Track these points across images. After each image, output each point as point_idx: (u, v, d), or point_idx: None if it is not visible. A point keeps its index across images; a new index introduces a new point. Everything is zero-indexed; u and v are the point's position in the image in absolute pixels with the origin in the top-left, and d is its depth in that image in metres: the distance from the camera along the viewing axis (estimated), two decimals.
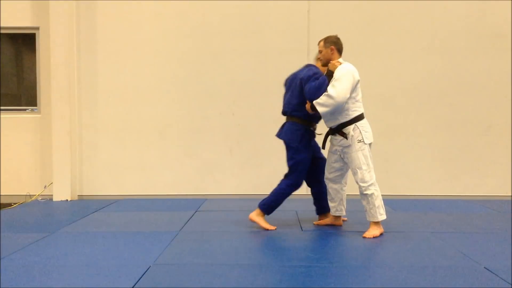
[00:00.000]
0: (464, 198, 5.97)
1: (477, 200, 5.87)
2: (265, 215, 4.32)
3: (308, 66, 4.31)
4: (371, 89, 5.62)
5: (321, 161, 4.36)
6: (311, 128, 4.27)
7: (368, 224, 4.09)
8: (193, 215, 4.99)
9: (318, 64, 4.28)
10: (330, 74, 3.99)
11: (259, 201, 4.36)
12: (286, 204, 4.34)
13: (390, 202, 5.33)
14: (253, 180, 6.08)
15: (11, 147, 6.14)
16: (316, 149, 4.38)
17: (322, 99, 3.90)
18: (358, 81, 3.96)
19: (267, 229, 4.23)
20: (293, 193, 4.28)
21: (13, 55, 6.45)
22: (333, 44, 4.10)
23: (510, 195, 6.00)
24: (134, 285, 2.83)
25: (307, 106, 4.07)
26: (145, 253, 3.52)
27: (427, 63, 6.03)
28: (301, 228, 4.36)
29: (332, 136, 4.14)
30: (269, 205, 4.27)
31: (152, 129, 6.14)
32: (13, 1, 6.04)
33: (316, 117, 4.13)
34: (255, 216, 4.29)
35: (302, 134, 4.19)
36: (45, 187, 6.08)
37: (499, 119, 6.04)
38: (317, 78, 4.04)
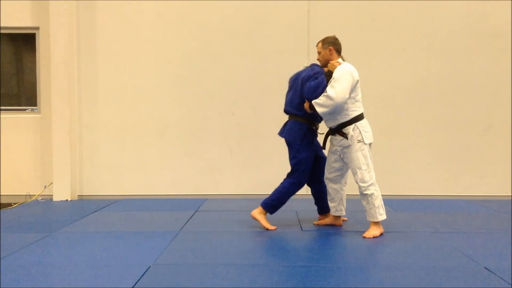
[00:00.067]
0: (464, 198, 5.97)
1: (477, 200, 5.87)
2: (268, 214, 4.32)
3: (312, 65, 4.32)
4: (371, 89, 5.63)
5: (323, 160, 4.36)
6: (313, 127, 4.27)
7: (368, 224, 4.08)
8: (193, 215, 4.99)
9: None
10: (329, 75, 3.99)
11: (259, 201, 4.36)
12: (286, 204, 4.34)
13: (390, 202, 5.33)
14: (253, 180, 6.08)
15: (11, 147, 6.14)
16: (318, 149, 4.38)
17: (321, 99, 3.90)
18: (358, 81, 3.96)
19: (267, 229, 4.23)
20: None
21: (13, 55, 6.45)
22: (331, 45, 4.10)
23: (510, 195, 5.99)
24: (134, 285, 2.83)
25: (306, 105, 4.08)
26: (145, 253, 3.52)
27: (427, 63, 6.03)
28: (301, 228, 4.36)
29: (332, 136, 4.14)
30: (271, 203, 4.26)
31: (152, 129, 6.14)
32: (13, 1, 6.04)
33: (318, 116, 4.13)
34: (257, 214, 4.29)
35: (304, 133, 4.19)
36: (45, 187, 6.08)
37: (499, 119, 6.04)
38: (316, 78, 4.05)
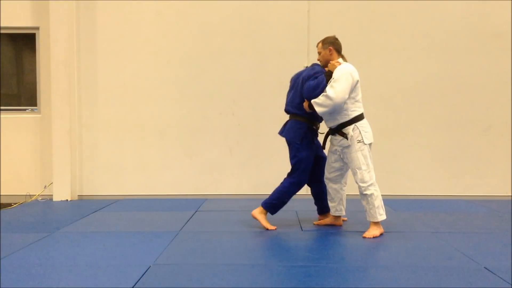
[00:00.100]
0: (464, 198, 5.97)
1: (477, 200, 5.87)
2: (268, 214, 4.31)
3: (313, 65, 4.32)
4: (371, 89, 5.63)
5: (324, 160, 4.35)
6: (314, 127, 4.27)
7: (368, 224, 4.09)
8: (193, 215, 4.99)
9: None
10: (329, 75, 3.99)
11: (259, 201, 4.37)
12: (286, 204, 4.33)
13: (390, 202, 5.33)
14: (253, 180, 6.08)
15: (11, 147, 6.14)
16: (319, 148, 4.38)
17: (321, 99, 3.90)
18: (358, 81, 3.96)
19: (267, 229, 4.23)
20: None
21: (13, 55, 6.45)
22: (331, 45, 4.10)
23: (510, 195, 6.00)
24: (134, 285, 2.83)
25: (305, 104, 4.09)
26: (145, 253, 3.52)
27: (427, 63, 6.03)
28: (301, 228, 4.36)
29: (332, 136, 4.14)
30: (271, 203, 4.26)
31: (152, 129, 6.14)
32: (13, 1, 6.04)
33: (318, 116, 4.13)
34: (257, 213, 4.30)
35: (304, 132, 4.19)
36: (45, 187, 6.08)
37: (499, 119, 6.04)
38: (316, 77, 4.05)
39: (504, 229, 4.33)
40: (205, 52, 6.08)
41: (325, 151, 4.38)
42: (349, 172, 4.19)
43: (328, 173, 4.26)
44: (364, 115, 4.07)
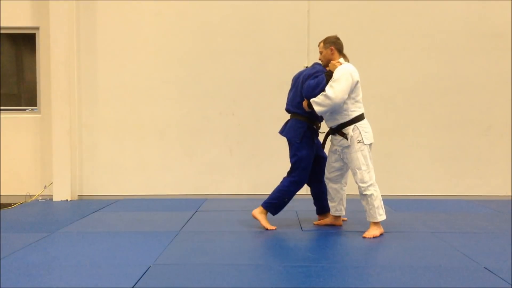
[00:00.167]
0: (464, 198, 5.97)
1: (477, 200, 5.87)
2: (269, 214, 4.31)
3: (314, 64, 4.32)
4: (371, 89, 5.62)
5: (324, 160, 4.35)
6: (314, 126, 4.27)
7: (368, 224, 4.09)
8: (193, 215, 4.99)
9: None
10: (330, 74, 3.99)
11: (259, 201, 4.37)
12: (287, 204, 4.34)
13: (390, 202, 5.33)
14: (253, 180, 6.08)
15: (11, 147, 6.14)
16: (319, 148, 4.38)
17: (320, 98, 3.91)
18: (358, 81, 3.95)
19: (267, 229, 4.23)
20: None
21: (13, 55, 6.45)
22: (333, 45, 4.10)
23: (510, 195, 6.00)
24: (134, 285, 2.83)
25: (304, 103, 4.09)
26: (145, 253, 3.52)
27: (427, 63, 6.03)
28: (301, 228, 4.36)
29: (332, 136, 4.14)
30: (271, 203, 4.26)
31: (152, 129, 6.14)
32: (13, 1, 6.04)
33: (319, 115, 4.13)
34: (258, 213, 4.29)
35: (304, 131, 4.19)
36: (45, 187, 6.08)
37: (499, 119, 6.04)
38: (316, 77, 4.05)
39: (504, 229, 4.33)
40: (205, 52, 6.08)
41: (325, 151, 4.39)
42: (349, 172, 4.19)
43: (328, 173, 4.26)
44: (365, 115, 4.07)
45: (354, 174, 4.00)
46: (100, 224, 4.59)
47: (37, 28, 6.13)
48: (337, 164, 4.18)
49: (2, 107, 6.19)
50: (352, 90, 3.93)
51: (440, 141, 6.06)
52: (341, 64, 3.99)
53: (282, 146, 4.44)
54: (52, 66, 5.91)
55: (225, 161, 6.13)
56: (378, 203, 3.97)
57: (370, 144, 4.01)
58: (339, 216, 4.39)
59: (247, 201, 5.50)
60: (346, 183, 4.31)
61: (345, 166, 4.18)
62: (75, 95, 6.06)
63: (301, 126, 4.20)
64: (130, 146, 6.14)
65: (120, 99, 6.11)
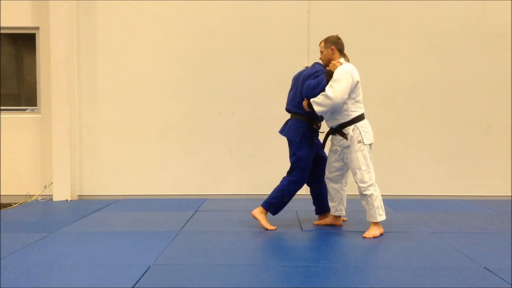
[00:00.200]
0: (464, 198, 5.97)
1: (477, 200, 5.87)
2: (269, 214, 4.31)
3: (314, 64, 4.32)
4: (371, 89, 5.62)
5: (324, 161, 4.35)
6: (314, 126, 4.27)
7: (368, 224, 4.08)
8: (193, 215, 4.99)
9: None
10: (330, 74, 3.99)
11: (259, 201, 4.37)
12: (286, 204, 4.34)
13: (390, 202, 5.33)
14: (253, 180, 6.08)
15: (11, 147, 6.14)
16: (319, 148, 4.38)
17: (320, 98, 3.91)
18: (358, 82, 3.95)
19: (267, 229, 4.23)
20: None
21: (13, 55, 6.45)
22: (334, 44, 4.10)
23: (510, 195, 6.00)
24: (134, 285, 2.83)
25: (304, 103, 4.09)
26: (145, 253, 3.52)
27: (427, 63, 6.03)
28: (301, 228, 4.36)
29: (333, 136, 4.14)
30: (270, 202, 4.26)
31: (152, 129, 6.14)
32: (13, 1, 6.04)
33: (319, 115, 4.13)
34: (258, 213, 4.29)
35: (304, 131, 4.18)
36: (45, 187, 6.08)
37: (499, 119, 6.04)
38: (316, 77, 4.05)
39: (504, 229, 4.33)
40: (205, 52, 6.08)
41: (325, 150, 4.39)
42: (350, 172, 4.19)
43: (328, 173, 4.26)
44: (365, 115, 4.07)
45: (354, 174, 4.00)
46: (100, 224, 4.59)
47: (37, 28, 6.13)
48: (337, 164, 4.18)
49: (2, 107, 6.19)
50: (352, 90, 3.93)
51: (440, 141, 6.06)
52: (341, 64, 4.00)
53: (282, 146, 4.44)
54: (52, 66, 5.91)
55: (225, 161, 6.13)
56: (378, 203, 3.97)
57: (370, 144, 4.01)
58: (339, 216, 4.39)
59: (247, 201, 5.51)
60: (346, 183, 4.31)
61: (345, 166, 4.18)
62: (75, 95, 6.06)
63: (301, 125, 4.20)
64: (130, 146, 6.14)
65: (120, 99, 6.11)
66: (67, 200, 5.95)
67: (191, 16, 6.07)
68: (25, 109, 6.25)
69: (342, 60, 4.08)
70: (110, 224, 4.63)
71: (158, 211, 5.25)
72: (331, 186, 4.27)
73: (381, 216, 3.99)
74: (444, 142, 6.06)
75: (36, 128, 6.17)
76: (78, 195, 6.12)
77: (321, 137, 4.37)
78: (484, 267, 3.17)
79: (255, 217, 4.30)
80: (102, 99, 6.11)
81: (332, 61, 4.06)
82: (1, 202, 5.98)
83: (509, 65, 5.98)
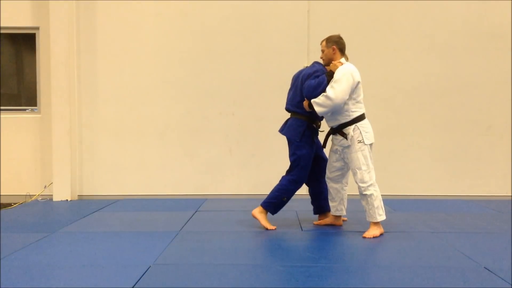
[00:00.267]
0: (464, 198, 5.97)
1: (477, 200, 5.87)
2: (268, 214, 4.31)
3: (313, 63, 4.32)
4: (371, 89, 5.61)
5: (323, 160, 4.35)
6: (314, 125, 4.26)
7: (368, 224, 4.08)
8: (193, 215, 4.99)
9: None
10: (330, 74, 3.99)
11: (259, 201, 4.37)
12: (286, 204, 4.33)
13: (390, 202, 5.33)
14: (253, 180, 6.08)
15: (11, 147, 6.14)
16: (319, 148, 4.38)
17: (321, 99, 3.90)
18: (359, 82, 3.95)
19: (267, 228, 4.23)
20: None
21: (13, 55, 6.45)
22: (335, 44, 4.10)
23: (510, 195, 6.00)
24: (134, 285, 2.83)
25: (305, 103, 4.09)
26: (145, 253, 3.52)
27: (427, 63, 6.03)
28: (301, 228, 4.36)
29: (333, 135, 4.14)
30: (270, 202, 4.26)
31: (152, 129, 6.14)
32: (13, 1, 6.04)
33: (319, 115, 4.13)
34: (257, 213, 4.29)
35: (304, 130, 4.18)
36: (45, 187, 6.08)
37: (499, 119, 6.04)
38: (317, 76, 4.05)
39: (504, 229, 4.33)
40: (205, 52, 6.08)
41: (325, 150, 4.38)
42: (350, 172, 4.18)
43: (329, 173, 4.25)
44: (365, 115, 4.07)
45: (354, 174, 4.00)
46: (100, 224, 4.59)
47: (37, 28, 6.13)
48: (338, 164, 4.18)
49: (2, 107, 6.19)
50: (353, 90, 3.93)
51: (440, 141, 6.06)
52: (342, 64, 3.99)
53: (282, 146, 4.44)
54: (52, 66, 5.91)
55: (225, 161, 6.13)
56: (378, 203, 3.97)
57: (370, 144, 4.01)
58: (340, 216, 4.39)
59: (247, 201, 5.50)
60: (347, 183, 4.31)
61: (346, 166, 4.18)
62: (75, 95, 6.06)
63: (301, 125, 4.20)
64: (130, 146, 6.14)
65: (120, 99, 6.11)
66: (67, 200, 5.95)
67: (191, 16, 6.07)
68: (25, 109, 6.25)
69: (343, 60, 4.08)
70: (110, 224, 4.63)
71: (158, 211, 5.25)
72: (331, 186, 4.27)
73: (381, 216, 3.99)
74: (444, 142, 6.06)
75: (36, 128, 6.17)
76: (78, 195, 6.12)
77: (321, 137, 4.37)
78: (484, 267, 3.17)
79: (255, 217, 4.30)
80: (102, 99, 6.11)
81: (333, 61, 4.06)
82: (1, 202, 5.98)
83: (509, 65, 5.98)
